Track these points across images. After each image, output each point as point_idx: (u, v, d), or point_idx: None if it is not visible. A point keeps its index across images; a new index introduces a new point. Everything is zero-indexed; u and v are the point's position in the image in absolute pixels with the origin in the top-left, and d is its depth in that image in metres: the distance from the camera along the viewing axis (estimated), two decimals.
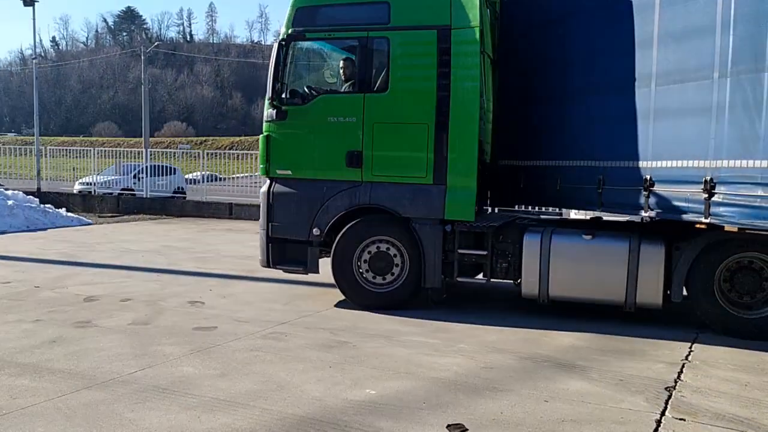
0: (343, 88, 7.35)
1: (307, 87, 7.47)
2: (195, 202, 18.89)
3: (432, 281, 6.89)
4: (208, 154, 25.57)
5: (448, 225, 6.82)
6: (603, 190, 6.52)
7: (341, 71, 7.43)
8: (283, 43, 7.10)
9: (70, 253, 11.12)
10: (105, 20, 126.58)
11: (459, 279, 6.95)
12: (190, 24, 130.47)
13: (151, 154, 22.62)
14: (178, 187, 22.12)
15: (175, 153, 28.68)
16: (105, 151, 23.47)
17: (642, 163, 6.13)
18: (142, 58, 39.62)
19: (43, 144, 26.82)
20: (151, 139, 44.99)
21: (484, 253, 6.82)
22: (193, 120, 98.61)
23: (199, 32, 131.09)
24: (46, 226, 14.86)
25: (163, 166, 21.91)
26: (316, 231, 7.12)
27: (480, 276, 7.11)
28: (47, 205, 16.05)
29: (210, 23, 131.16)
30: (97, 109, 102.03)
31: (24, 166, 27.90)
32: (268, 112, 7.25)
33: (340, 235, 7.11)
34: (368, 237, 7.09)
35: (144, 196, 19.61)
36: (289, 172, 7.31)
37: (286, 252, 7.36)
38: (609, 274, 6.41)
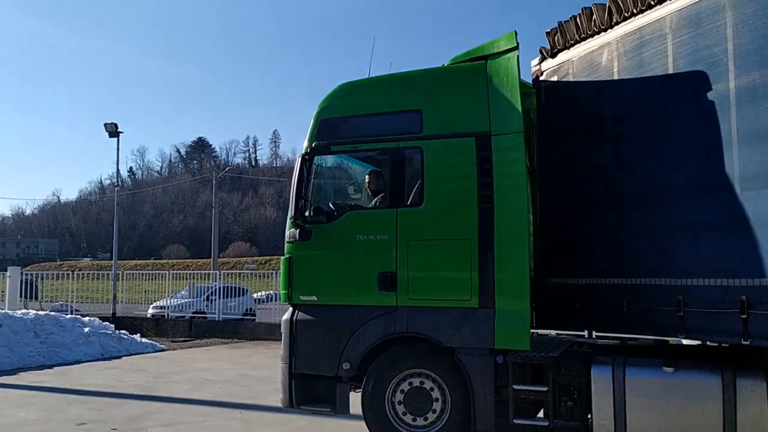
0: (373, 203, 6.60)
1: (333, 203, 6.72)
2: (267, 324, 18.27)
3: (484, 423, 5.74)
4: (274, 273, 25.46)
5: (500, 355, 5.80)
6: (684, 313, 5.41)
7: (370, 185, 6.70)
8: (307, 157, 6.48)
9: (146, 385, 10.45)
10: (178, 150, 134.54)
11: (516, 421, 5.77)
12: (255, 150, 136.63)
13: (223, 276, 22.46)
14: (248, 309, 21.72)
15: (241, 273, 28.65)
16: (178, 273, 23.45)
17: (735, 281, 5.09)
18: (213, 182, 41.05)
19: (119, 268, 27.30)
20: (218, 259, 45.70)
21: (544, 389, 5.72)
22: (256, 240, 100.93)
23: (264, 157, 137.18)
24: (121, 353, 14.43)
25: (233, 287, 21.67)
26: (346, 365, 6.15)
27: (540, 415, 5.95)
28: (122, 331, 15.71)
29: (273, 148, 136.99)
30: (168, 232, 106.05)
31: (99, 290, 28.30)
32: (290, 231, 6.49)
33: (370, 369, 6.17)
34: (403, 370, 6.10)
35: (216, 319, 19.17)
36: (314, 298, 6.44)
37: (311, 389, 6.37)
38: (700, 415, 5.25)
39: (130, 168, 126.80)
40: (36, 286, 24.40)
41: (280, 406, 8.52)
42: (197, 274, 24.94)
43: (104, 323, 15.74)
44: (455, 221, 6.04)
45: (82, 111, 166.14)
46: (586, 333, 7.25)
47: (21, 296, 19.96)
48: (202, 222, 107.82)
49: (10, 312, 14.64)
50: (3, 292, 24.22)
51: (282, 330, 6.54)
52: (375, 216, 6.44)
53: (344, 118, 6.63)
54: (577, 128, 6.70)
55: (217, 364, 13.03)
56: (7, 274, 19.68)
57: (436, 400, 6.00)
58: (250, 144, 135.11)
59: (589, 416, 5.65)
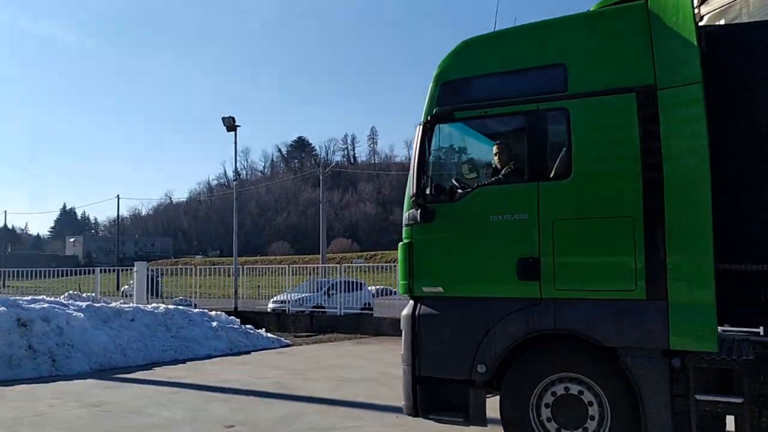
0: (507, 176, 5.54)
1: (458, 179, 5.73)
2: (392, 319, 17.41)
3: None
4: (380, 267, 25.06)
5: (676, 358, 4.66)
6: None
7: (503, 156, 5.66)
8: (427, 126, 5.47)
9: (283, 382, 9.81)
10: (279, 150, 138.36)
11: None
12: (353, 147, 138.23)
13: (343, 270, 21.95)
14: (366, 303, 21.06)
15: (349, 267, 28.20)
16: (297, 268, 23.14)
17: None
18: (321, 178, 41.32)
19: (230, 264, 27.66)
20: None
21: (738, 400, 4.49)
22: (357, 236, 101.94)
23: (362, 154, 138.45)
24: (248, 348, 14.06)
25: (352, 281, 21.06)
26: (481, 367, 5.18)
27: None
28: (248, 326, 15.41)
29: (371, 145, 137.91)
30: (272, 230, 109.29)
31: (214, 286, 28.79)
32: (410, 212, 5.52)
33: (510, 372, 5.18)
34: (550, 374, 5.06)
35: (338, 314, 18.61)
36: (440, 290, 5.49)
37: (439, 395, 5.45)
38: None
39: (235, 168, 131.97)
40: (158, 281, 24.95)
41: None
42: (315, 268, 24.62)
43: (230, 318, 15.53)
44: (613, 195, 4.93)
45: (188, 116, 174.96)
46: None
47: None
48: (305, 219, 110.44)
49: (141, 306, 14.64)
50: (126, 287, 25.06)
51: (402, 327, 5.61)
52: (512, 192, 5.38)
53: (469, 79, 5.61)
54: (760, 79, 5.23)
55: (350, 360, 12.29)
56: (134, 269, 20.06)
57: (592, 410, 4.91)
58: (349, 141, 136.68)
59: None
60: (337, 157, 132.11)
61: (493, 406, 5.37)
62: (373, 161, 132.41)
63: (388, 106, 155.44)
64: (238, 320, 15.56)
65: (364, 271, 28.21)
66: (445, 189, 5.68)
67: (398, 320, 17.86)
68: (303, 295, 20.37)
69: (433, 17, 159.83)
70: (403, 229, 5.72)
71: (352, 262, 43.66)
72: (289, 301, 19.89)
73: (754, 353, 4.67)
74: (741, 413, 4.53)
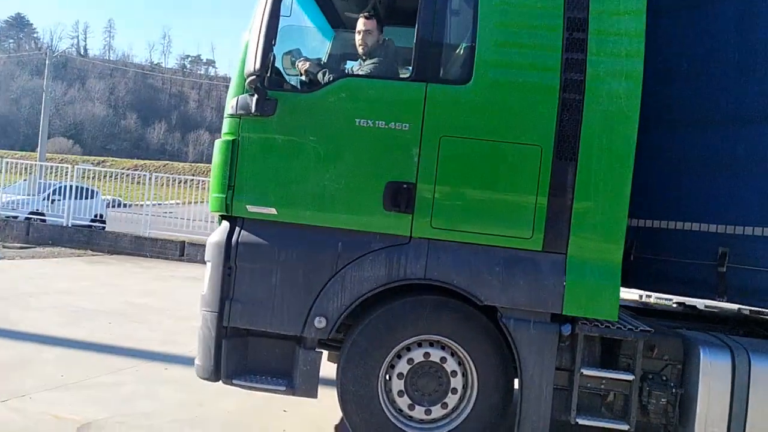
0: (386, 70, 4.29)
1: (315, 63, 4.29)
2: (132, 236, 14.96)
3: (534, 423, 3.91)
4: (112, 174, 21.62)
5: (567, 324, 3.98)
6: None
7: (384, 42, 4.41)
8: None
9: None
10: None
11: (580, 420, 3.99)
12: (85, 38, 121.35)
13: (63, 171, 18.35)
14: (98, 214, 18.02)
15: (73, 170, 24.23)
16: (10, 164, 18.64)
17: None
18: (47, 62, 34.27)
19: None
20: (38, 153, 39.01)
21: (628, 377, 3.95)
22: (81, 138, 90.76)
23: (95, 48, 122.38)
24: None
25: (82, 187, 17.71)
26: (319, 321, 3.95)
27: (608, 415, 4.11)
28: None
29: (108, 39, 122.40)
30: None
31: None
32: (240, 99, 3.99)
33: (358, 330, 4.07)
34: (409, 336, 4.04)
35: (64, 224, 15.41)
36: (273, 211, 4.03)
37: (253, 355, 4.13)
38: None
39: None
40: None
41: None
42: (33, 166, 20.36)
43: None
44: (520, 115, 3.91)
45: None
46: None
47: None
48: (16, 111, 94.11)
49: None
50: None
51: (208, 257, 4.07)
52: (390, 90, 4.04)
53: None
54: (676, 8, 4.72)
55: (84, 285, 9.91)
56: None
57: (455, 381, 4.05)
58: (80, 30, 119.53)
59: (687, 425, 4.02)
60: (65, 46, 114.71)
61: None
62: (108, 57, 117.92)
63: None
64: None
65: (92, 178, 24.39)
66: (295, 73, 4.17)
67: (141, 238, 15.25)
68: (17, 197, 16.50)
69: None
70: (226, 120, 4.04)
71: (77, 165, 37.99)
72: None
73: (650, 325, 4.10)
74: (629, 392, 3.91)
